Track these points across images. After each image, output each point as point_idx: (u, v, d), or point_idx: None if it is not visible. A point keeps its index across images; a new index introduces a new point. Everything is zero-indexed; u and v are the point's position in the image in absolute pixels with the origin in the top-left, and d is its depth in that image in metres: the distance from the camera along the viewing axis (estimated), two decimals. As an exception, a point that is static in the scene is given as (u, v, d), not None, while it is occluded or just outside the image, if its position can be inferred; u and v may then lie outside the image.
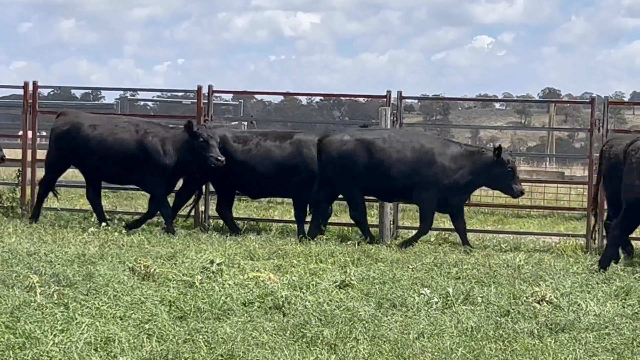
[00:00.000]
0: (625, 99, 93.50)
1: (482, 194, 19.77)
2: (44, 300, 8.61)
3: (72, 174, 24.77)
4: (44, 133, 21.09)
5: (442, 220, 17.55)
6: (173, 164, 14.89)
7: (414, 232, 15.68)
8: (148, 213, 15.46)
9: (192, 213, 16.08)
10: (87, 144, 15.22)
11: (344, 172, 14.54)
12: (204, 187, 16.21)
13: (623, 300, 9.83)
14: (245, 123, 24.35)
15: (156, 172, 14.91)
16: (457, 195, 14.57)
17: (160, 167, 14.88)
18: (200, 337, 7.54)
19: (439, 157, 14.41)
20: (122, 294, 9.03)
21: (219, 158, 14.60)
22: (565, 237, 15.62)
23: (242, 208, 18.92)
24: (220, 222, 16.18)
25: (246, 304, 8.93)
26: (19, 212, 16.39)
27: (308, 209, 15.10)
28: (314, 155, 14.89)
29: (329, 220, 15.78)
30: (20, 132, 16.77)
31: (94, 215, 15.47)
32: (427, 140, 14.77)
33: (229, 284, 9.80)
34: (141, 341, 7.34)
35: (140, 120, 15.87)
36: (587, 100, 18.07)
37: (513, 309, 9.11)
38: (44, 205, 17.38)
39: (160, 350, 7.10)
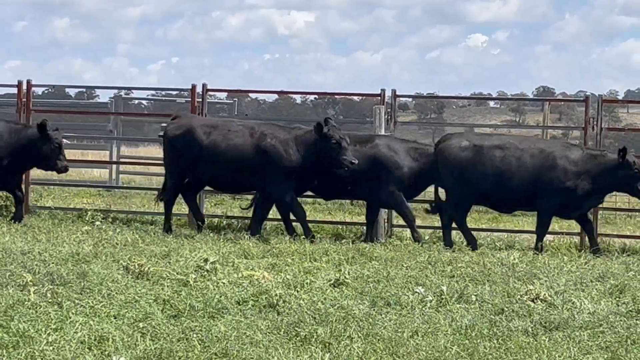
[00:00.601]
0: (619, 98, 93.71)
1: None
2: (37, 299, 8.59)
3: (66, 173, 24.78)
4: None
5: (437, 219, 17.56)
6: (297, 167, 14.22)
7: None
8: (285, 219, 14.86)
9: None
10: (201, 149, 14.60)
11: (460, 178, 14.25)
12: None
13: (617, 299, 9.84)
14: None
15: (278, 176, 14.27)
16: (582, 201, 14.15)
17: (281, 170, 14.24)
18: (194, 335, 7.53)
19: (560, 162, 14.01)
20: (116, 293, 9.03)
21: (353, 161, 13.98)
22: (559, 235, 15.62)
23: (236, 207, 18.89)
24: (215, 220, 16.19)
25: (240, 303, 8.92)
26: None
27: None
28: (390, 158, 14.61)
29: (324, 219, 15.77)
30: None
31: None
32: (546, 145, 14.42)
33: (223, 283, 9.79)
34: (135, 340, 7.33)
35: (257, 122, 15.32)
36: (581, 99, 18.09)
37: (507, 307, 9.11)
38: (39, 204, 17.41)
39: (154, 348, 7.09)
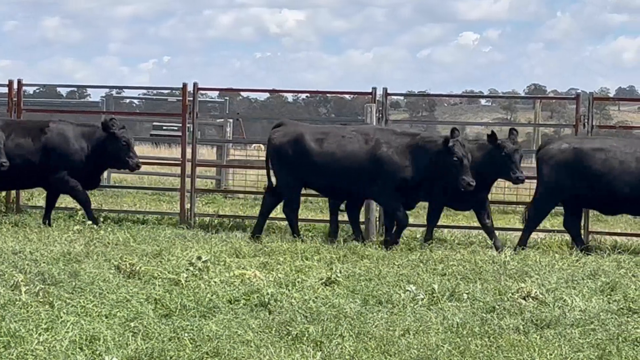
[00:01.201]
0: (611, 95, 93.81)
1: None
2: (29, 298, 8.58)
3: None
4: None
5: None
6: (411, 178, 13.71)
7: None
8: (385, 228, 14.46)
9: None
10: (312, 157, 14.07)
11: (559, 181, 13.92)
12: (190, 184, 16.21)
13: (608, 296, 9.86)
14: (231, 120, 24.37)
15: (390, 185, 13.72)
16: None
17: (395, 179, 13.70)
18: (186, 334, 7.53)
19: None
20: (107, 292, 9.02)
21: (471, 183, 13.35)
22: (551, 233, 15.63)
23: (227, 205, 18.89)
24: (206, 219, 16.17)
25: (232, 302, 8.93)
26: (2, 210, 16.36)
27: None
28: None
29: (316, 217, 15.76)
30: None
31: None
32: None
33: (215, 282, 9.80)
34: (126, 339, 7.33)
35: (371, 128, 14.61)
36: (573, 97, 18.09)
37: (499, 305, 9.13)
38: (31, 203, 17.37)
39: (146, 348, 7.09)
